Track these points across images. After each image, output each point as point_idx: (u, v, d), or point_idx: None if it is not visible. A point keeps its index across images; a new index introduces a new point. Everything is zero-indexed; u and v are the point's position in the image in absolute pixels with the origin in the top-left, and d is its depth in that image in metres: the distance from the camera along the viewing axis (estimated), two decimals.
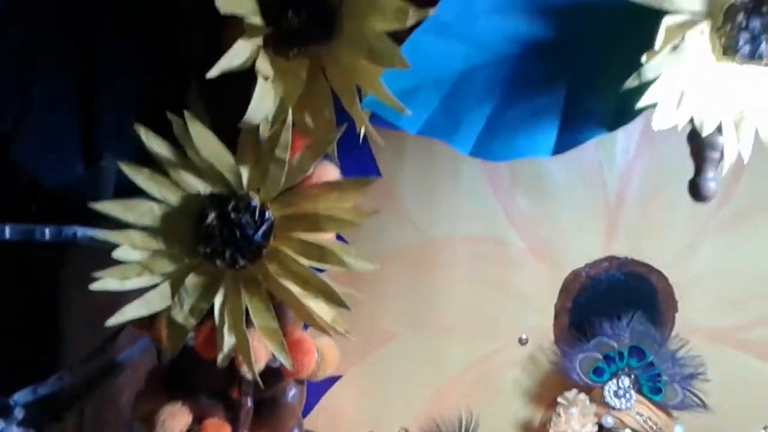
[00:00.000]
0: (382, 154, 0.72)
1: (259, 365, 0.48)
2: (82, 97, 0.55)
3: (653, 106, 0.44)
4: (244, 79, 0.46)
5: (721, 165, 0.48)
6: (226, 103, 0.47)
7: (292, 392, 0.52)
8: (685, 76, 0.45)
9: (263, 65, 0.44)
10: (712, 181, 0.49)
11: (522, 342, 0.75)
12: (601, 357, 0.76)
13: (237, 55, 0.43)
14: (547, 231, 0.76)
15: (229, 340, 0.49)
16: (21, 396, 0.54)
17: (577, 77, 0.47)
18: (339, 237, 0.52)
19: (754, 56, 0.44)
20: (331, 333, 0.49)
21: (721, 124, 0.46)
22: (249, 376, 0.48)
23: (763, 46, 0.44)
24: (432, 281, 0.75)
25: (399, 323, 0.75)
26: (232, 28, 0.44)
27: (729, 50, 0.44)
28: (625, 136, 0.71)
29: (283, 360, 0.48)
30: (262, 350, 0.49)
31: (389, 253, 0.74)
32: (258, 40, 0.44)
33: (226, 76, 0.43)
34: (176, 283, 0.49)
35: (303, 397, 0.54)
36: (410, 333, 0.75)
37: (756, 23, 0.44)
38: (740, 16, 0.44)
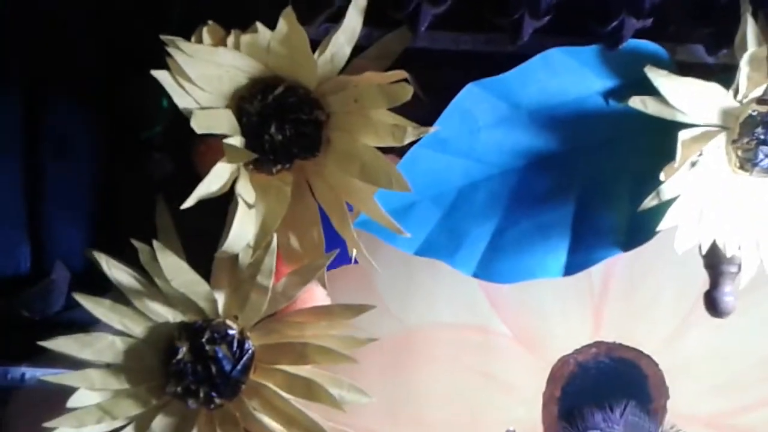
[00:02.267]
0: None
1: None
2: (31, 200, 0.49)
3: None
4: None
5: (739, 279, 0.45)
6: (198, 222, 0.42)
7: None
8: (705, 192, 0.41)
9: (244, 190, 0.39)
10: (729, 295, 0.46)
11: None
12: None
13: (215, 179, 0.38)
14: (532, 316, 0.72)
15: None
16: None
17: (586, 192, 0.44)
18: None
19: None
20: None
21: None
22: None
23: None
24: (411, 373, 0.71)
25: (377, 419, 0.70)
26: (205, 145, 0.39)
27: (747, 164, 0.42)
28: None
29: None
30: None
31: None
32: (239, 161, 0.39)
33: None
34: (142, 428, 0.43)
35: None
36: (389, 429, 0.69)
37: None
38: (759, 129, 0.41)
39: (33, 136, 0.47)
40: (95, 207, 0.48)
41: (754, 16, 0.39)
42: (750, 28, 0.38)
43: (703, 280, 0.47)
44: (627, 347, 0.73)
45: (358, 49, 0.41)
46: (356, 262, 0.45)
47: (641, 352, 0.73)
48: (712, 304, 0.46)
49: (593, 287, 0.72)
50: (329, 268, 0.65)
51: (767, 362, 0.72)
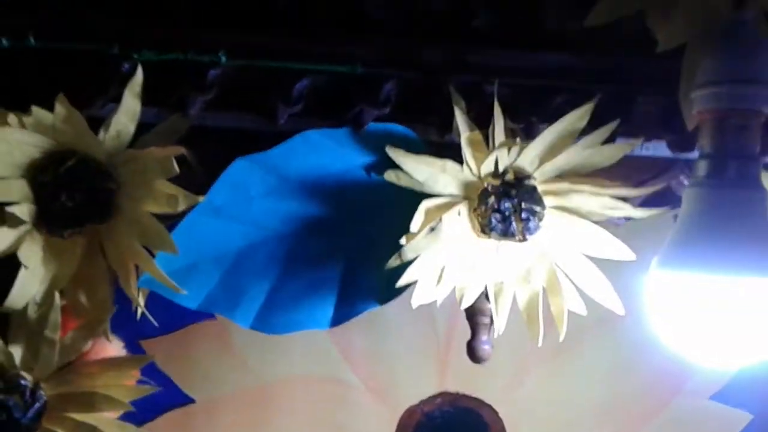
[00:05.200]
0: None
1: None
2: None
3: (414, 283, 0.47)
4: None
5: (493, 329, 0.51)
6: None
7: None
8: (444, 253, 0.48)
9: (25, 254, 0.43)
10: (486, 344, 0.52)
11: None
12: None
13: None
14: (381, 368, 0.76)
15: None
16: None
17: (352, 254, 0.50)
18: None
19: (507, 234, 0.48)
20: None
21: (487, 292, 0.50)
22: None
23: (513, 225, 0.48)
24: (269, 425, 0.73)
25: None
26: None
27: (485, 228, 0.48)
28: None
29: None
30: None
31: (225, 397, 0.72)
32: (23, 227, 0.44)
33: None
34: None
35: None
36: None
37: (506, 205, 0.48)
38: (492, 199, 0.48)
39: None
40: None
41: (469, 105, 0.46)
42: (460, 118, 0.46)
43: None
44: (469, 397, 0.79)
45: (147, 126, 0.47)
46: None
47: (482, 402, 0.79)
48: (472, 352, 0.52)
49: (439, 341, 0.78)
50: (190, 321, 0.69)
51: (602, 406, 0.78)
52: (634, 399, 0.78)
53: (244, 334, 0.71)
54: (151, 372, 0.50)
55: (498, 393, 0.79)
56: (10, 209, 0.43)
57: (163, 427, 0.68)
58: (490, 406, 0.79)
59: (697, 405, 0.78)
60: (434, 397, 0.78)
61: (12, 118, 0.43)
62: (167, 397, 0.68)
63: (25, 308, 0.46)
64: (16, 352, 0.47)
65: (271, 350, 0.74)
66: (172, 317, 0.66)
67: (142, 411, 0.48)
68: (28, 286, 0.44)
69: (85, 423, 0.46)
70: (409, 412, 0.78)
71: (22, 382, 0.46)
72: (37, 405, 0.46)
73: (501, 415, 0.79)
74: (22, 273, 0.44)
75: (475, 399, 0.79)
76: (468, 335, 0.78)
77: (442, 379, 0.78)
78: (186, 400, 0.71)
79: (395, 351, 0.77)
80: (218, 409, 0.72)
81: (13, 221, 0.43)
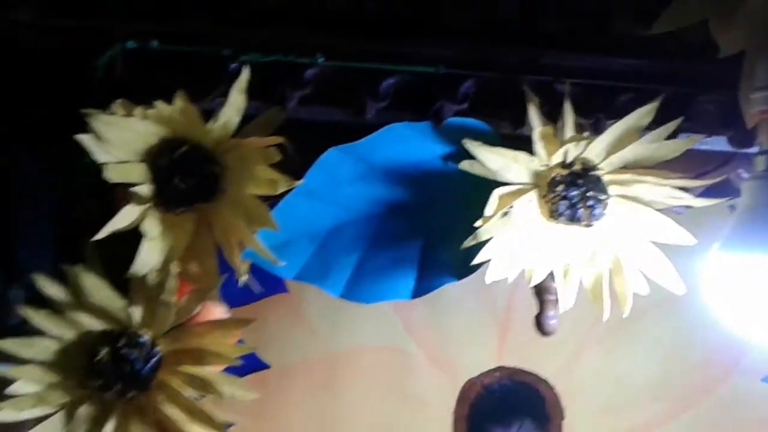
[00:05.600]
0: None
1: None
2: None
3: (489, 261, 0.52)
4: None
5: (558, 305, 0.56)
6: (124, 250, 0.53)
7: None
8: (515, 236, 0.52)
9: (149, 226, 0.50)
10: (552, 318, 0.57)
11: None
12: None
13: (124, 219, 0.49)
14: (444, 341, 0.80)
15: None
16: None
17: (431, 234, 0.55)
18: None
19: (573, 219, 0.52)
20: None
21: (553, 273, 0.54)
22: None
23: (580, 211, 0.52)
24: (335, 392, 0.78)
25: None
26: (122, 191, 0.51)
27: (553, 214, 0.53)
28: None
29: None
30: None
31: (295, 364, 0.78)
32: (145, 205, 0.50)
33: None
34: (69, 414, 0.53)
35: None
36: None
37: (573, 193, 0.52)
38: (560, 188, 0.52)
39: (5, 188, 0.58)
40: (52, 240, 0.59)
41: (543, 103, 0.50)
42: (533, 113, 0.50)
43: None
44: (526, 372, 0.83)
45: (250, 117, 0.53)
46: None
47: (539, 377, 0.83)
48: (539, 326, 0.57)
49: (498, 317, 0.82)
50: (266, 294, 0.75)
51: (656, 384, 0.81)
52: (689, 377, 0.80)
53: (315, 305, 0.78)
54: None
55: (555, 368, 0.82)
56: (134, 189, 0.50)
57: None
58: (546, 381, 0.83)
59: (750, 385, 0.80)
60: (493, 370, 0.82)
61: (138, 110, 0.49)
62: (245, 361, 0.75)
63: (145, 275, 0.52)
64: (136, 312, 0.54)
65: (340, 321, 0.78)
66: (248, 292, 0.72)
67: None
68: (150, 256, 0.51)
69: (196, 375, 0.53)
70: (470, 384, 0.82)
71: (141, 339, 0.53)
72: (154, 359, 0.53)
73: (557, 390, 0.83)
74: (145, 245, 0.50)
75: (532, 374, 0.83)
76: (527, 312, 0.82)
77: (500, 353, 0.82)
78: (262, 366, 0.77)
79: (456, 325, 0.80)
80: (290, 374, 0.78)
81: (138, 199, 0.50)
